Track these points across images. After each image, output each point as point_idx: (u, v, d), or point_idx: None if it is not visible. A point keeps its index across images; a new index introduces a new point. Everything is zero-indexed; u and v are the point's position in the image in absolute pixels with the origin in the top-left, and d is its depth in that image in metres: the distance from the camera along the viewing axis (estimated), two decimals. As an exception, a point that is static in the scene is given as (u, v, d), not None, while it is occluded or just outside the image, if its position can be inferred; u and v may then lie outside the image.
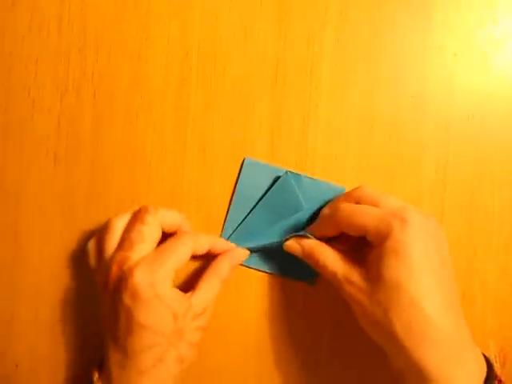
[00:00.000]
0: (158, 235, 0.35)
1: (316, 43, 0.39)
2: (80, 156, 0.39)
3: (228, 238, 0.38)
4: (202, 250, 0.36)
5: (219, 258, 0.36)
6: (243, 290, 0.39)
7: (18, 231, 0.38)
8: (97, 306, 0.36)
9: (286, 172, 0.38)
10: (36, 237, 0.38)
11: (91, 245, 0.36)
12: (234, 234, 0.38)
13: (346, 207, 0.34)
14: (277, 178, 0.38)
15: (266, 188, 0.38)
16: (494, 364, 0.31)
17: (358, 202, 0.34)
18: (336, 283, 0.33)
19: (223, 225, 0.38)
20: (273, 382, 0.39)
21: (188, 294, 0.34)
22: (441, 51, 0.39)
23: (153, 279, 0.32)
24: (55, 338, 0.39)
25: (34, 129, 0.38)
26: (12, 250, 0.38)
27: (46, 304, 0.39)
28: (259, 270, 0.39)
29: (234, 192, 0.38)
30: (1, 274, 0.39)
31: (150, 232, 0.34)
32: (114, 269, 0.33)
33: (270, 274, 0.39)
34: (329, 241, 0.36)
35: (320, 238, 0.36)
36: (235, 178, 0.38)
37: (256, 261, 0.39)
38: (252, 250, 0.38)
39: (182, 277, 0.38)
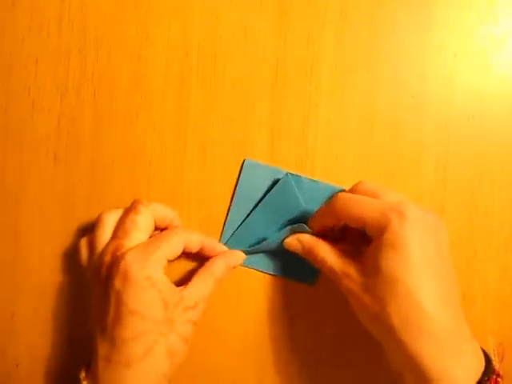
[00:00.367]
0: (151, 226, 0.35)
1: (316, 43, 0.39)
2: (80, 156, 0.39)
3: (228, 239, 0.38)
4: (194, 245, 0.36)
5: (215, 257, 0.36)
6: (243, 290, 0.39)
7: (17, 231, 0.38)
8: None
9: (287, 173, 0.38)
10: (36, 237, 0.38)
11: (83, 242, 0.36)
12: (234, 235, 0.38)
13: (345, 196, 0.34)
14: (277, 180, 0.38)
15: (266, 189, 0.38)
16: (493, 358, 0.31)
17: None
18: (334, 278, 0.33)
19: (223, 225, 0.38)
20: (273, 382, 0.39)
21: (180, 288, 0.34)
22: (441, 51, 0.39)
23: (145, 263, 0.32)
24: (55, 338, 0.39)
25: (34, 129, 0.38)
26: (12, 250, 0.38)
27: (46, 304, 0.39)
28: (259, 271, 0.39)
29: (234, 193, 0.38)
30: (1, 273, 0.39)
31: (143, 221, 0.34)
32: (107, 257, 0.33)
33: (270, 274, 0.39)
34: (328, 238, 0.36)
35: (319, 231, 0.36)
36: (235, 178, 0.38)
37: (256, 261, 0.39)
38: (252, 251, 0.38)
39: (175, 278, 0.38)
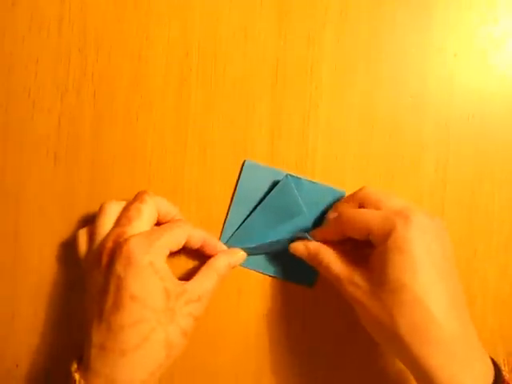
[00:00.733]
0: (154, 217, 0.35)
1: (316, 43, 0.39)
2: (80, 156, 0.39)
3: (227, 240, 0.38)
4: (196, 240, 0.36)
5: (218, 255, 0.36)
6: (243, 290, 0.39)
7: (18, 231, 0.38)
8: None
9: (286, 175, 0.38)
10: (36, 237, 0.38)
11: (82, 231, 0.36)
12: (234, 236, 0.38)
13: (349, 212, 0.34)
14: (277, 181, 0.38)
15: (265, 190, 0.38)
16: (502, 368, 0.30)
17: (361, 204, 0.34)
18: (339, 285, 0.33)
19: (223, 226, 0.38)
20: (272, 381, 0.39)
21: (183, 282, 0.34)
22: (441, 51, 0.39)
23: (148, 249, 0.32)
24: (55, 338, 0.39)
25: (34, 129, 0.38)
26: (12, 250, 0.38)
27: (46, 304, 0.39)
28: (259, 272, 0.39)
29: (233, 193, 0.38)
30: (1, 273, 0.39)
31: (148, 211, 0.34)
32: (109, 243, 0.32)
33: (269, 276, 0.39)
34: (331, 243, 0.36)
35: (323, 242, 0.36)
36: (235, 179, 0.39)
37: (255, 263, 0.39)
38: (251, 253, 0.38)
39: (176, 275, 0.38)
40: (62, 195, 0.39)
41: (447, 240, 0.32)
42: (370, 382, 0.39)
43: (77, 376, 0.31)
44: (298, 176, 0.38)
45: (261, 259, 0.38)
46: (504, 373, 0.30)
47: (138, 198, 0.35)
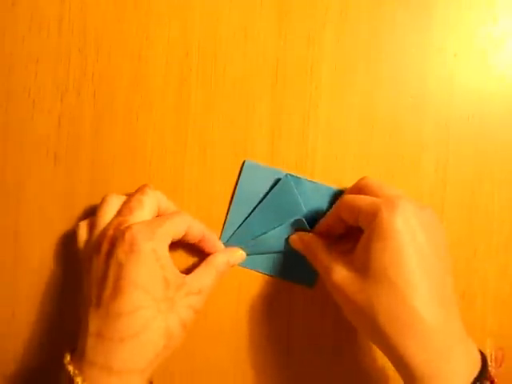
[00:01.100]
0: (155, 209, 0.35)
1: (316, 43, 0.39)
2: (80, 156, 0.39)
3: (228, 240, 0.38)
4: (196, 232, 0.36)
5: (217, 252, 0.37)
6: (243, 291, 0.39)
7: (18, 231, 0.38)
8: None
9: (286, 175, 0.38)
10: (36, 237, 0.38)
11: (82, 223, 0.36)
12: (234, 236, 0.38)
13: (344, 197, 0.34)
14: (277, 181, 0.38)
15: (265, 190, 0.38)
16: (489, 363, 0.29)
17: (361, 193, 0.34)
18: (322, 272, 0.33)
19: (223, 226, 0.38)
20: (272, 381, 0.39)
21: (183, 274, 0.34)
22: (441, 51, 0.39)
23: (151, 235, 0.31)
24: (55, 338, 0.39)
25: (34, 129, 0.38)
26: (12, 250, 0.38)
27: (46, 304, 0.39)
28: (259, 272, 0.39)
29: (233, 194, 0.38)
30: (1, 273, 0.39)
31: (149, 202, 0.34)
32: (111, 231, 0.32)
33: (269, 276, 0.39)
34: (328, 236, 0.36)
35: (323, 232, 0.36)
36: (235, 179, 0.39)
37: (255, 263, 0.39)
38: (252, 252, 0.38)
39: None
40: (62, 195, 0.39)
41: (437, 231, 0.31)
42: (370, 382, 0.39)
43: (70, 368, 0.31)
44: (298, 176, 0.38)
45: (261, 259, 0.38)
46: (490, 368, 0.29)
47: (139, 190, 0.35)
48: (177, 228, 0.34)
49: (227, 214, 0.38)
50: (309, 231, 0.37)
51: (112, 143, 0.39)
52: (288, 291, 0.39)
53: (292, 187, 0.37)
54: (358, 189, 0.35)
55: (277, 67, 0.39)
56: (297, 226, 0.37)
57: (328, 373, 0.39)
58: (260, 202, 0.38)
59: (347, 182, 0.38)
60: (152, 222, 0.33)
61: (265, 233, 0.38)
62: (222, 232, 0.38)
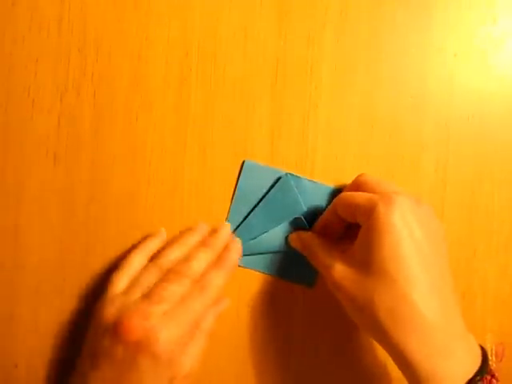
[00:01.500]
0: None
1: (316, 43, 0.39)
2: (80, 156, 0.39)
3: (228, 240, 0.38)
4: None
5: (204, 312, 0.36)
6: (243, 291, 0.39)
7: (17, 231, 0.38)
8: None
9: (286, 174, 0.38)
10: (36, 237, 0.38)
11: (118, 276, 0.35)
12: (234, 235, 0.38)
13: (342, 194, 0.34)
14: (277, 181, 0.38)
15: (265, 190, 0.38)
16: (489, 358, 0.29)
17: (359, 189, 0.34)
18: (323, 271, 0.33)
19: (223, 225, 0.39)
20: (272, 382, 0.39)
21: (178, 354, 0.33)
22: (441, 51, 0.39)
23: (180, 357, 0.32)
24: (55, 338, 0.39)
25: (34, 129, 0.38)
26: (12, 250, 0.38)
27: (46, 304, 0.39)
28: (259, 272, 0.39)
29: (233, 194, 0.38)
30: (1, 273, 0.38)
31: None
32: (134, 323, 0.31)
33: (269, 275, 0.39)
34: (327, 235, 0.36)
35: (322, 229, 0.36)
36: (235, 178, 0.38)
37: (255, 263, 0.39)
38: (251, 252, 0.38)
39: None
40: (62, 195, 0.38)
41: (435, 226, 0.31)
42: (370, 381, 0.39)
43: None
44: (298, 175, 0.38)
45: (261, 259, 0.38)
46: (490, 362, 0.29)
47: (176, 280, 0.34)
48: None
49: (227, 214, 0.38)
50: (308, 230, 0.37)
51: (112, 143, 0.38)
52: (288, 291, 0.39)
53: (292, 186, 0.37)
54: (357, 186, 0.35)
55: (277, 67, 0.39)
56: (296, 225, 0.37)
57: (329, 373, 0.39)
58: (260, 201, 0.38)
59: (347, 182, 0.38)
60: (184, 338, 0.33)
61: (265, 232, 0.38)
62: (222, 232, 0.38)
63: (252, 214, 0.38)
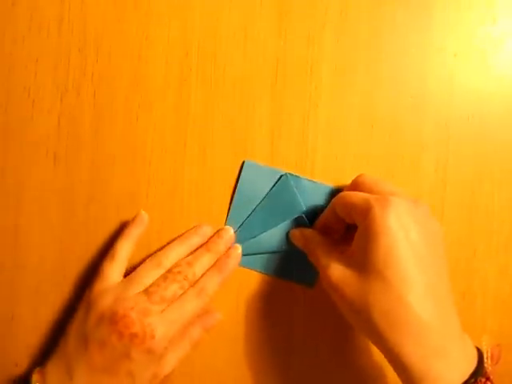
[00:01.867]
0: None
1: (316, 43, 0.39)
2: (80, 156, 0.39)
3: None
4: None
5: (192, 323, 0.36)
6: (243, 291, 0.39)
7: (18, 231, 0.38)
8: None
9: (286, 174, 0.38)
10: (36, 237, 0.38)
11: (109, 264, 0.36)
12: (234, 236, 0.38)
13: (340, 194, 0.34)
14: (277, 181, 0.38)
15: (265, 190, 0.38)
16: (485, 360, 0.29)
17: (358, 190, 0.34)
18: (319, 269, 0.33)
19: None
20: (272, 382, 0.39)
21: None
22: (441, 51, 0.39)
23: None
24: (55, 338, 0.39)
25: (34, 129, 0.38)
26: (12, 250, 0.38)
27: (46, 304, 0.39)
28: (259, 272, 0.39)
29: (233, 194, 0.38)
30: (1, 274, 0.38)
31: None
32: (131, 318, 0.33)
33: (269, 275, 0.39)
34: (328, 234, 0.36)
35: (322, 228, 0.36)
36: (235, 178, 0.38)
37: (255, 263, 0.39)
38: (252, 252, 0.38)
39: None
40: (62, 195, 0.38)
41: (432, 227, 0.31)
42: (370, 381, 0.39)
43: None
44: (298, 175, 0.38)
45: (261, 259, 0.38)
46: (486, 365, 0.29)
47: (178, 280, 0.35)
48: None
49: (227, 214, 0.38)
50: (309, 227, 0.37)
51: (112, 143, 0.39)
52: (288, 291, 0.39)
53: (291, 186, 0.38)
54: (355, 186, 0.35)
55: (277, 67, 0.39)
56: (297, 224, 0.37)
57: (329, 373, 0.39)
58: (260, 201, 0.38)
59: (347, 182, 0.38)
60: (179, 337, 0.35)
61: (265, 232, 0.38)
62: (222, 232, 0.38)
63: (252, 213, 0.38)
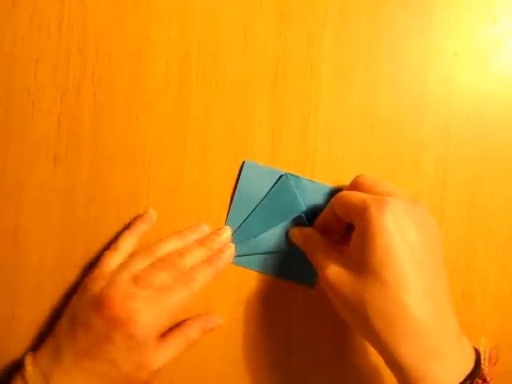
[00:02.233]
0: None
1: (316, 43, 0.39)
2: (80, 156, 0.39)
3: (228, 239, 0.38)
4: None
5: (191, 322, 0.37)
6: (243, 291, 0.39)
7: (18, 231, 0.38)
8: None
9: (286, 174, 0.38)
10: (36, 237, 0.38)
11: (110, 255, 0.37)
12: (234, 236, 0.38)
13: (339, 193, 0.34)
14: (277, 181, 0.38)
15: (265, 190, 0.38)
16: (482, 361, 0.29)
17: (357, 190, 0.34)
18: (317, 268, 0.33)
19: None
20: (272, 382, 0.39)
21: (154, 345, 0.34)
22: (441, 51, 0.39)
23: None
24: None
25: (34, 129, 0.38)
26: (12, 250, 0.38)
27: (46, 304, 0.39)
28: (259, 272, 0.39)
29: (233, 194, 0.38)
30: (1, 274, 0.38)
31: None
32: (116, 298, 0.33)
33: (269, 275, 0.39)
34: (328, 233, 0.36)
35: (321, 228, 0.36)
36: (235, 178, 0.39)
37: (255, 263, 0.39)
38: (252, 252, 0.38)
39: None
40: (62, 195, 0.38)
41: (430, 228, 0.31)
42: (370, 381, 0.39)
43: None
44: (298, 175, 0.38)
45: (261, 259, 0.38)
46: (483, 366, 0.29)
47: (169, 266, 0.35)
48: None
49: (227, 214, 0.38)
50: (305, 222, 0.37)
51: (112, 143, 0.39)
52: (288, 291, 0.39)
53: (291, 186, 0.38)
54: (355, 186, 0.35)
55: (277, 67, 0.39)
56: (297, 224, 0.37)
57: (329, 373, 0.39)
58: (260, 201, 0.38)
59: (347, 182, 0.38)
60: (163, 322, 0.34)
61: (265, 232, 0.38)
62: (222, 232, 0.38)
63: (252, 213, 0.38)
